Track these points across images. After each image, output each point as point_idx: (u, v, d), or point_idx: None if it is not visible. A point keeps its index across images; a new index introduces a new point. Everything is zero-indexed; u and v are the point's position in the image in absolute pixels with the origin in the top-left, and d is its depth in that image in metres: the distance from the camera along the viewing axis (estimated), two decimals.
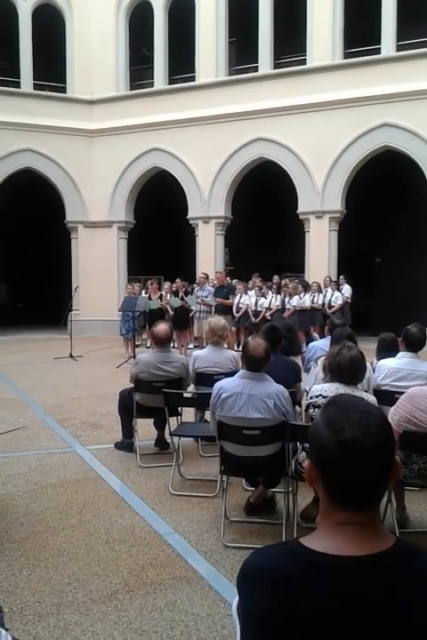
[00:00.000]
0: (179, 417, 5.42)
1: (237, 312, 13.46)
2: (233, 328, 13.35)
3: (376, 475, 1.21)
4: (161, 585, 3.32)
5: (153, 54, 16.85)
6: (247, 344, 3.88)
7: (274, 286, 14.00)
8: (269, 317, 13.13)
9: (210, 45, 15.88)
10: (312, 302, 13.49)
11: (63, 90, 17.06)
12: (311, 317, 13.37)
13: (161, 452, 5.65)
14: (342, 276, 14.37)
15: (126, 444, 5.70)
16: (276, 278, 14.63)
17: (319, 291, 13.71)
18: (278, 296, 13.72)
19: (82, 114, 16.75)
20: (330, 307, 13.56)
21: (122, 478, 5.04)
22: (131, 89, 17.11)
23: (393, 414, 3.61)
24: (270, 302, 13.64)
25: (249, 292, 13.87)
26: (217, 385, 3.88)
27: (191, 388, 5.66)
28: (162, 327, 5.36)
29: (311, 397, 3.82)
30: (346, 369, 3.75)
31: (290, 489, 3.95)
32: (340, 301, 13.64)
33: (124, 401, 5.68)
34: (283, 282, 14.40)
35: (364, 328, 14.96)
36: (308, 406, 3.81)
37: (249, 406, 3.72)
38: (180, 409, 5.40)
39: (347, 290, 14.06)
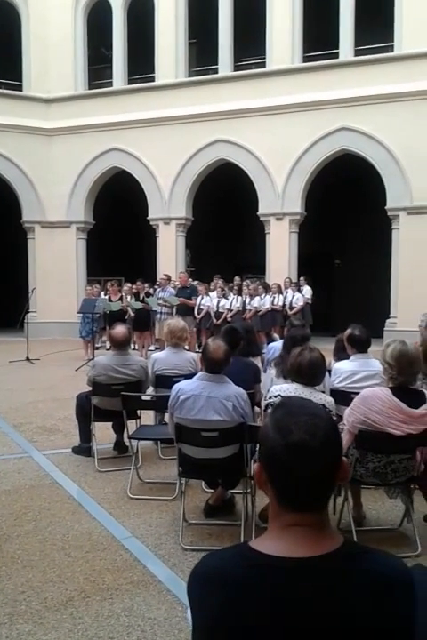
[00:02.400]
0: (138, 420, 5.37)
1: (199, 313, 13.45)
2: (194, 329, 13.34)
3: (324, 476, 1.22)
4: (118, 590, 3.27)
5: (112, 54, 16.69)
6: (207, 346, 3.87)
7: (235, 288, 14.05)
8: (229, 319, 13.17)
9: (169, 46, 15.84)
10: (273, 303, 13.60)
11: (20, 88, 16.72)
12: (272, 318, 13.48)
13: (120, 456, 5.57)
14: (302, 278, 14.53)
15: (84, 449, 5.60)
16: (237, 280, 14.69)
17: (280, 292, 13.83)
18: (239, 297, 13.78)
19: (39, 112, 16.45)
20: (291, 308, 13.69)
21: (79, 483, 4.95)
22: (89, 88, 16.91)
23: (348, 416, 3.65)
24: (231, 304, 13.68)
25: (210, 294, 13.88)
26: (176, 387, 3.85)
27: (150, 390, 5.60)
28: (120, 329, 5.29)
29: (270, 398, 3.83)
30: (306, 370, 3.77)
31: (248, 490, 3.95)
32: (300, 302, 13.80)
33: (81, 405, 5.58)
34: (244, 283, 14.47)
35: (324, 329, 15.21)
36: (266, 407, 3.82)
37: (208, 408, 3.71)
38: (139, 412, 5.35)
39: (307, 291, 14.23)
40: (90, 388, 5.40)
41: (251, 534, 3.74)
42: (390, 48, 14.20)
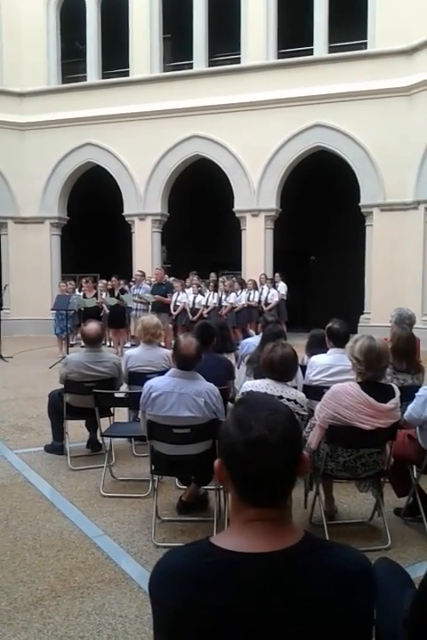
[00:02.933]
0: (111, 417, 5.34)
1: (175, 310, 13.42)
2: (170, 326, 13.31)
3: (283, 471, 1.23)
4: (89, 588, 3.25)
5: (86, 47, 16.51)
6: (179, 342, 3.86)
7: (211, 284, 14.04)
8: (205, 315, 13.16)
9: (144, 40, 15.73)
10: (248, 300, 13.63)
11: None
12: (248, 314, 13.51)
13: (93, 454, 5.53)
14: (277, 274, 14.59)
15: (57, 447, 5.55)
16: (213, 276, 14.68)
17: (255, 288, 13.87)
18: (215, 294, 13.78)
19: (12, 106, 16.20)
20: (266, 304, 13.74)
21: (51, 482, 4.91)
22: (63, 82, 16.69)
23: (319, 411, 3.68)
24: (208, 300, 13.68)
25: (187, 291, 13.86)
26: (147, 384, 3.83)
27: (124, 387, 5.57)
28: (92, 326, 5.25)
29: (242, 394, 3.84)
30: (278, 366, 3.80)
31: (221, 486, 3.95)
32: (276, 299, 13.85)
33: (53, 402, 5.53)
34: (220, 279, 14.47)
35: (299, 324, 15.33)
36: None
37: (180, 405, 3.70)
38: (112, 409, 5.33)
39: (282, 287, 14.30)
40: (62, 386, 5.35)
41: (224, 529, 3.75)
42: (364, 45, 14.33)
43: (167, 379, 3.80)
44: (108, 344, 13.90)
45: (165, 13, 15.91)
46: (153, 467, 3.91)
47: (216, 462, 1.31)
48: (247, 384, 3.86)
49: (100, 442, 5.17)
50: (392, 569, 2.03)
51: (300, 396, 3.79)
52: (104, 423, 5.22)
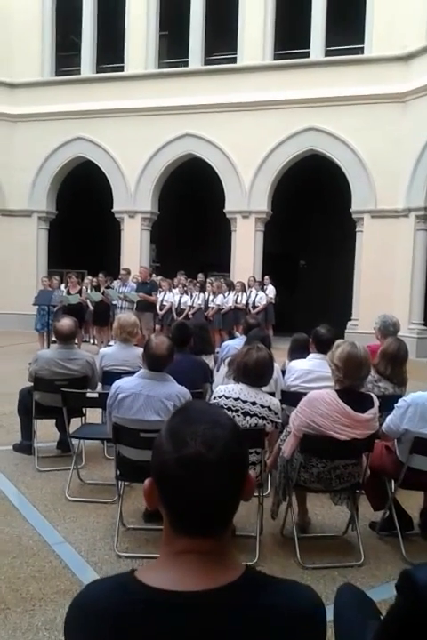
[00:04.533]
0: (83, 417, 5.15)
1: (161, 310, 13.24)
2: (158, 327, 13.12)
3: (222, 495, 1.05)
4: (42, 600, 3.05)
5: (81, 41, 16.29)
6: (150, 341, 3.68)
7: (198, 285, 13.86)
8: (190, 316, 12.99)
9: (140, 36, 15.55)
10: (236, 302, 13.47)
11: None
12: (235, 317, 13.33)
13: (63, 455, 5.32)
14: (266, 277, 14.45)
15: (25, 446, 5.34)
16: (200, 277, 14.51)
17: (243, 290, 13.71)
18: (202, 295, 13.60)
19: (3, 97, 15.96)
20: (254, 307, 13.58)
21: (16, 483, 4.70)
22: (57, 75, 16.46)
23: (294, 419, 3.51)
24: (194, 301, 13.49)
25: (173, 290, 13.67)
26: (115, 384, 3.65)
27: (99, 387, 5.38)
28: (65, 322, 5.04)
29: (215, 398, 3.66)
30: (252, 370, 3.63)
31: None
32: (264, 302, 13.70)
33: (23, 400, 5.33)
34: (208, 281, 14.30)
35: (288, 329, 15.14)
36: None
37: (147, 408, 3.51)
38: (84, 409, 5.13)
39: (271, 290, 14.15)
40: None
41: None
42: (360, 50, 14.23)
43: (136, 379, 3.62)
44: (91, 341, 13.71)
45: (162, 10, 15.75)
46: (119, 472, 3.71)
47: (146, 482, 1.12)
48: (220, 388, 3.68)
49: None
50: (355, 598, 1.86)
51: (274, 402, 3.62)
52: (76, 423, 5.05)
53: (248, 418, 3.51)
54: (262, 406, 3.53)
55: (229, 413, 3.53)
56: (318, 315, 12.82)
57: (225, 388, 3.65)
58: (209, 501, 1.03)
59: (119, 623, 1.01)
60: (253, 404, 3.53)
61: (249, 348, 3.64)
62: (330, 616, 1.96)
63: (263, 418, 3.52)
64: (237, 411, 3.52)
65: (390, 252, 13.53)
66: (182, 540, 1.06)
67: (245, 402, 3.52)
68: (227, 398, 3.57)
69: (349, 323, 14.18)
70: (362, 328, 13.01)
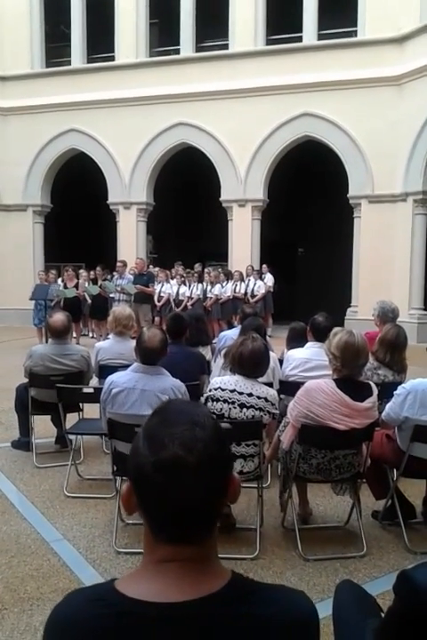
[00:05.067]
0: (81, 413, 5.10)
1: (159, 301, 13.17)
2: (157, 318, 13.05)
3: (204, 499, 0.99)
4: (40, 600, 3.01)
5: (71, 31, 16.10)
6: (142, 335, 3.61)
7: (195, 275, 13.79)
8: (189, 307, 12.93)
9: (130, 25, 15.35)
10: (234, 291, 13.40)
11: None
12: (233, 306, 13.26)
13: (61, 451, 5.25)
14: (264, 266, 14.37)
15: (23, 443, 5.30)
16: (197, 267, 14.43)
17: (242, 280, 13.64)
18: (200, 285, 13.53)
19: None
20: (253, 296, 13.52)
21: (14, 480, 4.65)
22: (47, 66, 16.27)
23: (292, 409, 3.45)
24: (192, 291, 13.42)
25: (171, 281, 13.60)
26: (109, 379, 3.59)
27: (95, 381, 5.32)
28: (58, 317, 4.97)
29: (210, 390, 3.60)
30: (247, 361, 3.57)
31: None
32: (262, 290, 13.64)
33: (20, 396, 5.28)
34: (205, 271, 14.23)
35: (287, 317, 15.07)
36: (206, 400, 3.59)
37: (142, 402, 3.46)
38: (81, 404, 5.08)
39: (269, 279, 14.08)
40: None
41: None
42: (354, 33, 14.06)
43: (129, 374, 3.56)
44: (90, 335, 13.64)
45: None
46: (115, 467, 3.66)
47: (124, 487, 1.07)
48: (215, 380, 3.62)
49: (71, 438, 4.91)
50: (355, 595, 1.81)
51: (271, 393, 3.56)
52: (74, 418, 5.00)
53: (245, 410, 3.46)
54: (259, 397, 3.47)
55: (226, 405, 3.48)
56: (317, 302, 12.73)
57: (221, 380, 3.59)
58: (190, 507, 0.98)
59: (95, 638, 0.96)
60: (250, 395, 3.47)
61: (244, 339, 3.58)
62: (330, 610, 1.92)
63: (260, 409, 3.47)
64: (233, 403, 3.46)
65: (388, 238, 13.42)
66: (163, 548, 1.01)
67: (241, 393, 3.46)
68: (223, 390, 3.51)
69: (348, 309, 14.11)
70: (362, 314, 12.94)
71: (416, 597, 1.21)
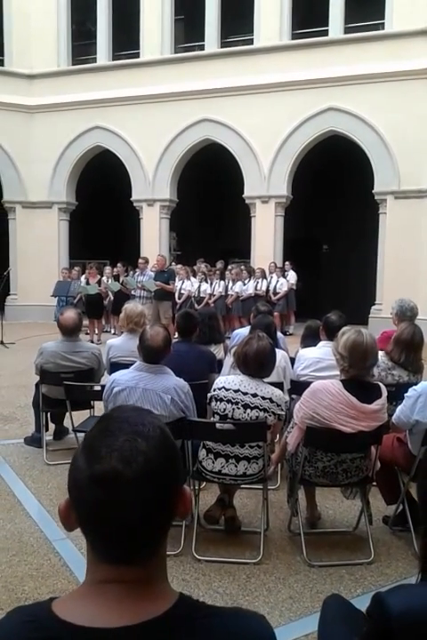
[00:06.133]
0: (91, 410, 5.09)
1: (180, 298, 13.14)
2: (176, 315, 13.02)
3: (145, 518, 0.91)
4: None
5: (96, 29, 16.18)
6: (145, 333, 3.55)
7: (217, 272, 13.71)
8: (212, 304, 12.87)
9: (155, 22, 15.33)
10: (256, 289, 13.28)
11: (1, 63, 16.21)
12: (255, 304, 13.13)
13: (72, 448, 5.26)
14: (287, 263, 14.22)
15: (36, 439, 5.30)
16: (219, 264, 14.35)
17: (264, 277, 13.51)
18: (222, 282, 13.45)
19: (21, 88, 15.93)
20: (275, 293, 13.39)
21: (23, 477, 4.66)
22: (73, 64, 16.37)
23: (297, 410, 3.35)
24: (214, 288, 13.36)
25: (192, 278, 13.55)
26: (110, 378, 3.55)
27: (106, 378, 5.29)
28: (69, 315, 4.96)
29: (214, 390, 3.53)
30: (251, 361, 3.48)
31: (192, 489, 3.65)
32: (284, 288, 13.50)
33: (37, 393, 5.28)
34: (228, 268, 14.14)
35: (310, 315, 14.87)
36: (210, 400, 3.51)
37: (144, 401, 3.40)
38: (92, 402, 5.06)
39: (292, 276, 13.93)
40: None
41: (193, 536, 3.47)
42: (381, 26, 13.76)
43: (132, 372, 3.51)
44: (112, 331, 13.70)
45: None
46: None
47: (61, 502, 0.99)
48: (219, 380, 3.54)
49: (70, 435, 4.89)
50: (342, 611, 1.71)
51: (276, 393, 3.46)
52: (84, 415, 5.00)
53: (249, 410, 3.37)
54: (264, 398, 3.38)
55: (229, 406, 3.40)
56: (341, 300, 12.56)
57: (225, 380, 3.51)
58: (129, 525, 0.90)
59: None
60: (254, 395, 3.38)
61: (249, 338, 3.49)
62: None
63: (265, 410, 3.37)
64: (237, 403, 3.38)
65: (414, 234, 13.11)
66: (103, 568, 0.93)
67: (245, 394, 3.38)
68: (226, 390, 3.43)
69: (373, 307, 13.84)
70: (386, 313, 12.58)
71: (388, 623, 1.12)
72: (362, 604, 1.87)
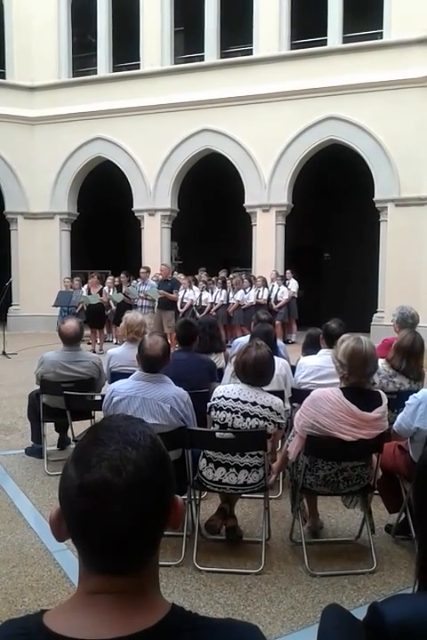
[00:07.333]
0: (92, 420, 5.07)
1: (182, 307, 13.14)
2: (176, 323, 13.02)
3: (135, 528, 0.90)
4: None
5: (97, 41, 16.30)
6: (143, 342, 3.55)
7: (219, 281, 13.73)
8: (214, 313, 12.87)
9: (155, 33, 15.44)
10: (257, 297, 13.28)
11: (2, 75, 16.31)
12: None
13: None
14: (288, 271, 14.23)
15: (36, 450, 5.30)
16: (221, 273, 14.37)
17: (265, 285, 13.51)
18: (223, 291, 13.46)
19: (22, 100, 16.02)
20: (276, 302, 13.39)
21: (24, 488, 4.65)
22: (74, 76, 16.47)
23: (298, 419, 3.34)
24: (216, 297, 13.37)
25: (194, 287, 13.56)
26: (110, 387, 3.55)
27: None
28: (70, 324, 4.96)
29: (214, 399, 3.52)
30: (250, 369, 3.47)
31: (192, 498, 3.64)
32: (285, 296, 13.50)
33: (33, 404, 5.28)
34: (229, 276, 14.16)
35: (312, 323, 14.86)
36: (209, 409, 3.51)
37: (143, 411, 3.39)
38: (93, 411, 5.05)
39: (293, 284, 13.94)
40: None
41: (194, 546, 3.45)
42: (379, 35, 13.84)
43: (131, 382, 3.50)
44: (114, 341, 13.69)
45: (176, 5, 15.61)
46: None
47: (52, 512, 0.99)
48: (218, 389, 3.53)
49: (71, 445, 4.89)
50: (341, 622, 1.69)
51: (276, 402, 3.45)
52: (85, 426, 4.97)
53: (248, 419, 3.36)
54: (263, 407, 3.37)
55: (229, 415, 3.40)
56: (343, 308, 12.55)
57: (224, 389, 3.50)
58: (120, 535, 0.89)
59: None
60: (254, 404, 3.37)
61: (248, 346, 3.49)
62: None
63: (264, 419, 3.36)
64: (236, 412, 3.37)
65: (415, 241, 13.12)
66: (94, 579, 0.92)
67: (244, 402, 3.37)
68: (226, 399, 3.42)
69: (375, 315, 13.83)
70: (388, 320, 12.61)
71: (384, 632, 1.11)
72: (364, 614, 1.86)
